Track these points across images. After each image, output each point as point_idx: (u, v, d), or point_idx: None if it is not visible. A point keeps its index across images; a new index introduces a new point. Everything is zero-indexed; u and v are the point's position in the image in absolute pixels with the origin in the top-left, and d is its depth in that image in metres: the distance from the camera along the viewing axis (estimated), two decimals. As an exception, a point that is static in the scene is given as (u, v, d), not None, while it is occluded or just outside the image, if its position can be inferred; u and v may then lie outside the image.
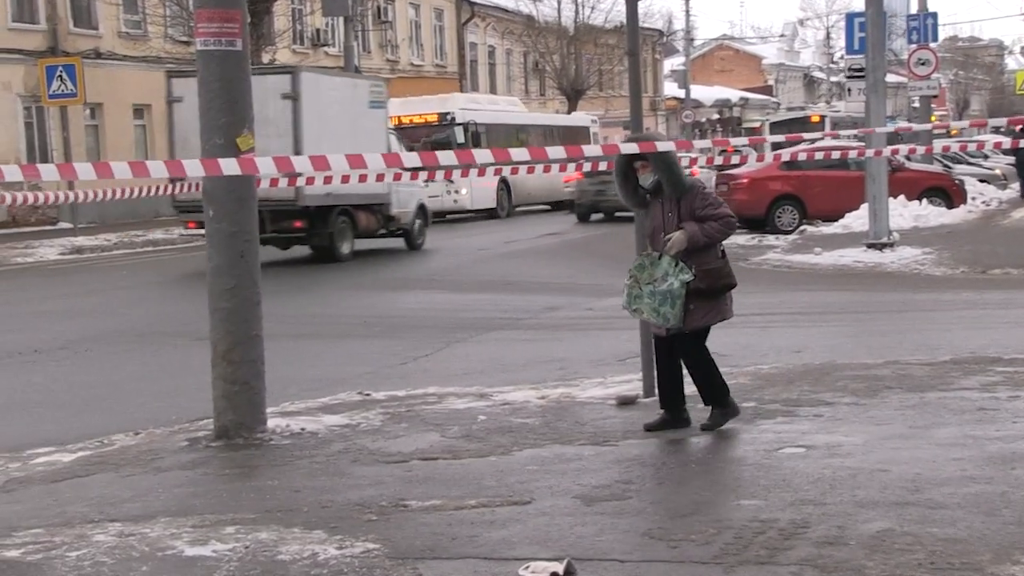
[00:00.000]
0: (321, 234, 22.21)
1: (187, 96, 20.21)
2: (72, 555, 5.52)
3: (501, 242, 27.32)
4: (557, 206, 39.16)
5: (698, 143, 36.99)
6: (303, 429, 8.14)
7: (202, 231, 8.33)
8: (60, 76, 29.45)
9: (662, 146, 7.48)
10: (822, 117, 53.17)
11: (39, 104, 32.16)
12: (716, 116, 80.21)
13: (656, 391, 7.95)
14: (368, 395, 9.47)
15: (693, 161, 9.06)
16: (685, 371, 7.75)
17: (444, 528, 5.76)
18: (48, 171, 5.85)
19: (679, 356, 7.67)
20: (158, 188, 17.48)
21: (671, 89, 76.87)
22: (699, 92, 75.99)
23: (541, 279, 19.51)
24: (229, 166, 5.96)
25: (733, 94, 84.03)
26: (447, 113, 36.26)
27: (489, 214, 36.45)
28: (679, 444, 7.42)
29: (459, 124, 35.91)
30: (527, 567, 5.06)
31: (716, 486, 6.36)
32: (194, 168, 5.79)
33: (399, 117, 34.05)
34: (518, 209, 38.31)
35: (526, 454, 7.28)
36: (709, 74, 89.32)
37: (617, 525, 5.70)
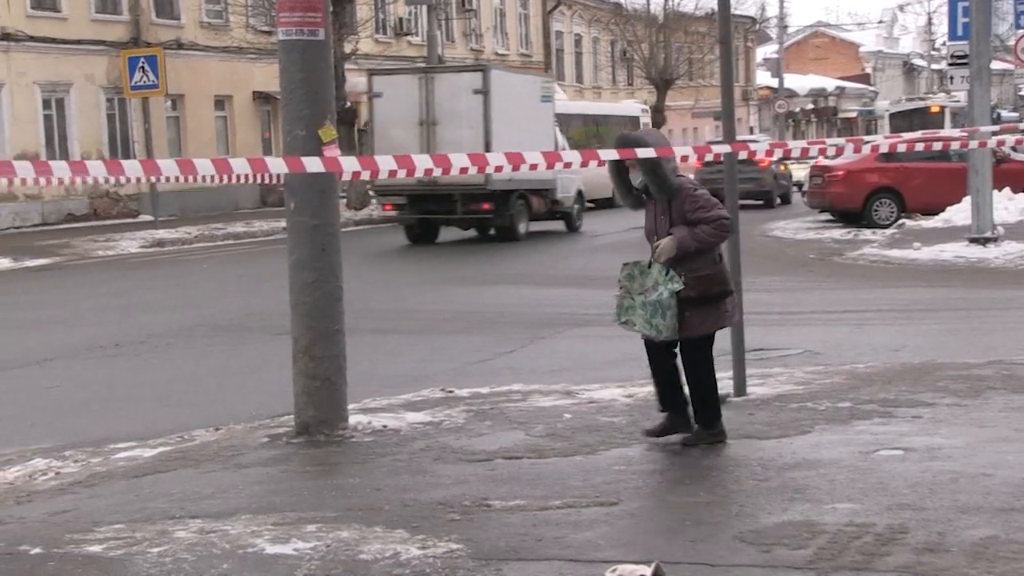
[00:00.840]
0: (503, 215, 25.41)
1: (386, 91, 24.94)
2: (153, 551, 5.61)
3: (586, 236, 27.28)
4: (605, 204, 32.92)
5: (793, 143, 36.50)
6: (385, 426, 8.19)
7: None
8: (142, 67, 29.94)
9: (642, 152, 7.15)
10: (942, 108, 52.18)
11: (121, 96, 32.71)
12: (810, 106, 79.39)
13: (657, 395, 7.60)
14: (451, 392, 9.50)
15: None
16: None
17: (528, 529, 5.77)
18: (132, 168, 5.94)
19: (674, 356, 7.44)
20: (244, 178, 17.67)
21: (764, 78, 76.22)
22: (793, 81, 75.26)
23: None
24: (312, 164, 6.01)
25: (828, 83, 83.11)
26: None
27: None
28: (770, 445, 7.35)
29: None
30: (614, 570, 5.03)
31: (809, 489, 6.29)
32: (277, 165, 5.84)
33: None
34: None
35: (613, 454, 7.26)
36: (803, 62, 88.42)
37: (707, 528, 5.66)
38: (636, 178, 7.35)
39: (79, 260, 25.35)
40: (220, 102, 37.65)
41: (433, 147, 23.52)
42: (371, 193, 31.23)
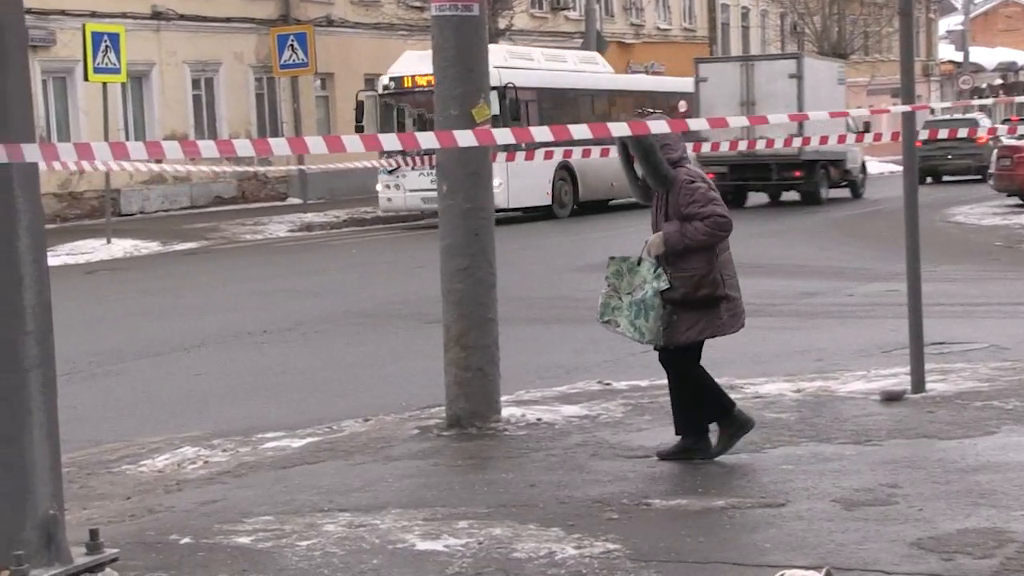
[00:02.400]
0: (810, 182, 30.31)
1: (711, 77, 30.24)
2: (302, 544, 5.73)
3: (751, 220, 26.99)
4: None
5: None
6: (539, 419, 8.22)
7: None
8: (291, 45, 30.55)
9: (653, 126, 6.89)
10: None
11: (270, 75, 33.42)
12: (999, 81, 77.20)
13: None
14: (609, 384, 9.50)
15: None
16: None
17: (690, 530, 5.74)
18: (279, 145, 6.06)
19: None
20: (396, 163, 17.98)
21: (947, 52, 74.37)
22: (979, 55, 73.28)
23: (797, 261, 19.20)
24: (464, 138, 6.06)
25: (1020, 56, 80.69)
26: None
27: (541, 213, 29.18)
28: (951, 445, 7.19)
29: (490, 88, 30.25)
30: (781, 575, 4.99)
31: (995, 494, 6.13)
32: (427, 140, 5.90)
33: (405, 78, 28.20)
34: (588, 205, 30.75)
35: (780, 452, 7.18)
36: (991, 34, 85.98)
37: (882, 533, 5.57)
38: (639, 168, 7.12)
39: (227, 244, 26.01)
40: (371, 80, 38.15)
41: (752, 128, 27.03)
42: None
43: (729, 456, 7.13)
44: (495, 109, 26.20)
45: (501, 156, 21.37)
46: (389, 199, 28.32)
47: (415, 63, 27.87)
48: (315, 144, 5.95)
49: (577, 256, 20.46)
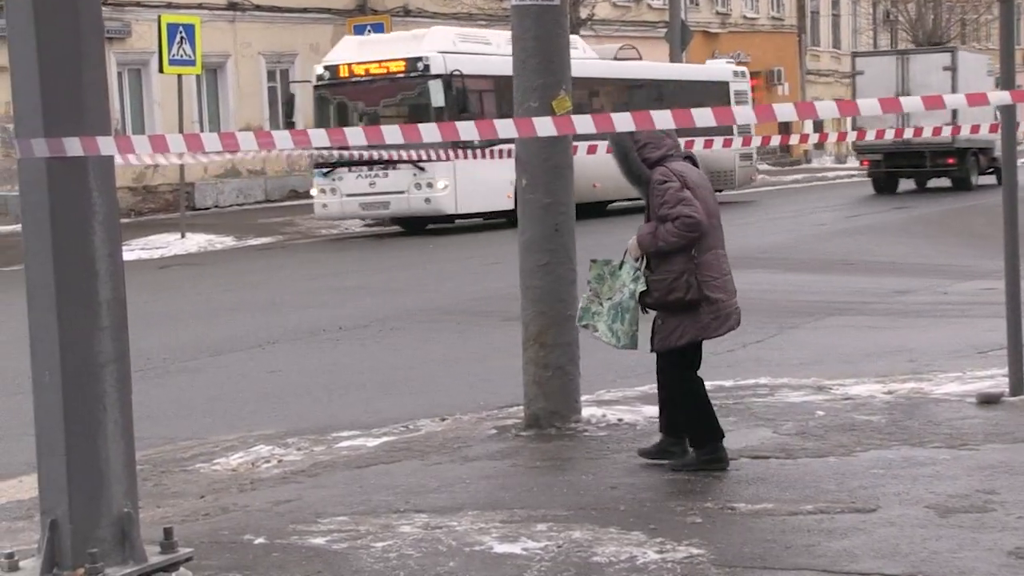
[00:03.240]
0: (962, 168, 32.36)
1: (867, 70, 32.39)
2: (377, 546, 5.76)
3: (843, 216, 26.78)
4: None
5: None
6: (620, 420, 8.21)
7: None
8: (368, 35, 30.69)
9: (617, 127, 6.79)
10: None
11: (346, 66, 33.63)
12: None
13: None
14: (692, 384, 9.45)
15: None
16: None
17: (777, 535, 5.70)
18: (354, 135, 6.10)
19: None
20: (474, 154, 18.08)
21: (1047, 39, 73.15)
22: (1081, 42, 71.99)
23: (889, 258, 19.02)
24: (543, 126, 6.05)
25: (1123, 44, 79.28)
26: (418, 59, 24.76)
27: (504, 220, 24.57)
28: (1052, 451, 7.08)
29: (434, 76, 24.60)
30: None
31: (1097, 501, 6.04)
32: (506, 129, 5.91)
33: (341, 67, 25.30)
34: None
35: (870, 456, 7.11)
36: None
37: (978, 541, 5.50)
38: None
39: (302, 239, 26.22)
40: (448, 73, 38.32)
41: (907, 117, 27.67)
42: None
43: (818, 460, 7.08)
44: (437, 100, 24.42)
45: (448, 154, 21.01)
46: (324, 205, 25.46)
47: (354, 50, 25.70)
48: (391, 134, 5.98)
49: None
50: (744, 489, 6.54)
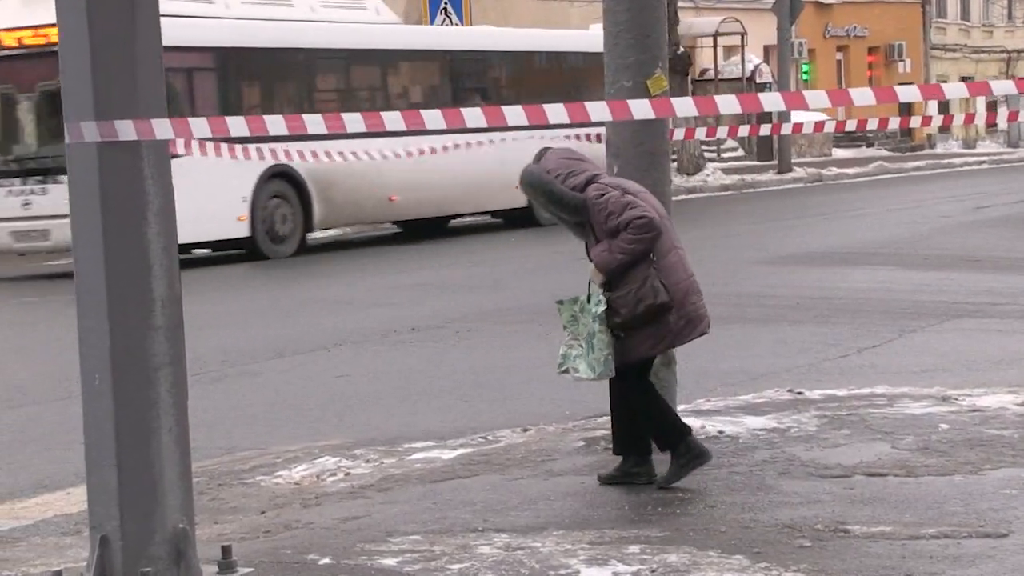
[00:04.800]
0: None
1: None
2: (454, 568, 5.79)
3: (970, 208, 26.49)
4: (506, 217, 26.09)
5: None
6: (721, 432, 8.19)
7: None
8: (444, 8, 30.99)
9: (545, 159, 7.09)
10: None
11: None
12: None
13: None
14: (801, 393, 9.42)
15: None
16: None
17: (895, 561, 5.67)
18: (433, 119, 6.12)
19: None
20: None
21: None
22: None
23: (1022, 254, 18.79)
24: (639, 108, 6.04)
25: None
26: None
27: (240, 250, 21.90)
28: None
29: None
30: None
31: None
32: (598, 111, 5.90)
33: None
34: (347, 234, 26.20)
35: (1001, 474, 7.04)
36: None
37: (1121, 571, 5.43)
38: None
39: (370, 231, 26.36)
40: (531, 49, 38.28)
41: None
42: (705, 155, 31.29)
43: (941, 478, 7.01)
44: None
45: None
46: None
47: (15, 11, 20.38)
48: (472, 117, 5.98)
49: (766, 247, 20.29)
50: (859, 510, 6.49)
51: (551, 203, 7.13)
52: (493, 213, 26.33)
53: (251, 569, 5.60)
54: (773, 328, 13.08)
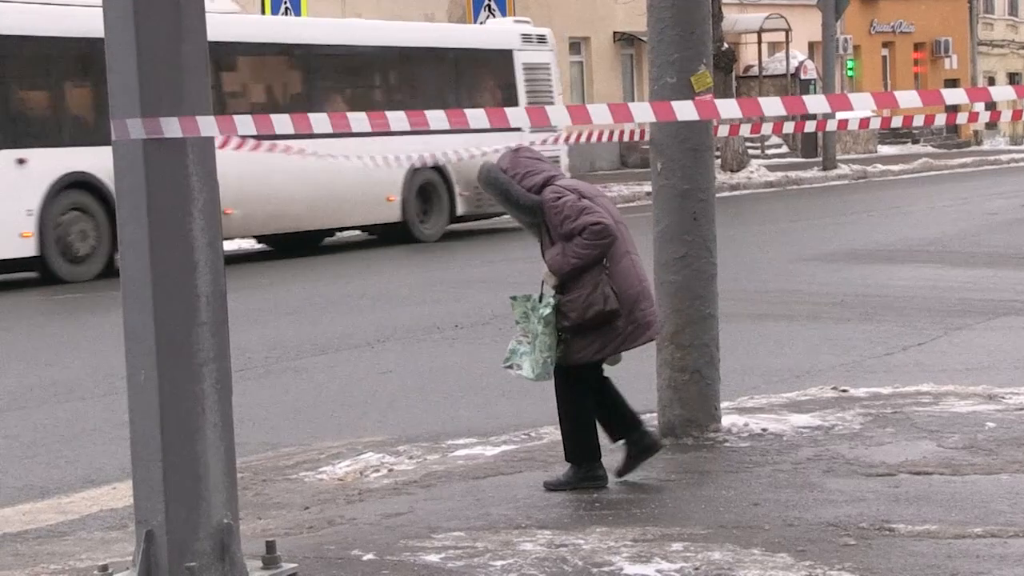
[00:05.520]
0: None
1: None
2: (496, 564, 5.80)
3: (1017, 205, 26.33)
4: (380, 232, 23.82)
5: None
6: (764, 430, 8.17)
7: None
8: (488, 5, 30.87)
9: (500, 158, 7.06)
10: None
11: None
12: None
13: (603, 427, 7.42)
14: (845, 391, 9.40)
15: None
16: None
17: (941, 560, 5.64)
18: (477, 118, 6.10)
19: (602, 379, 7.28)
20: (599, 135, 18.05)
21: None
22: None
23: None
24: (683, 109, 6.02)
25: None
26: None
27: (18, 270, 18.95)
28: None
29: None
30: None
31: None
32: (642, 112, 5.89)
33: None
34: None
35: (1048, 474, 7.00)
36: None
37: None
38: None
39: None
40: (576, 45, 38.35)
41: None
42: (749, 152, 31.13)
43: (987, 477, 6.98)
44: None
45: None
46: None
47: None
48: (517, 117, 5.99)
49: (810, 245, 20.22)
50: (904, 508, 6.47)
51: (507, 203, 7.17)
52: (364, 228, 23.82)
53: (295, 565, 5.62)
54: (818, 325, 13.05)
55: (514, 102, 23.91)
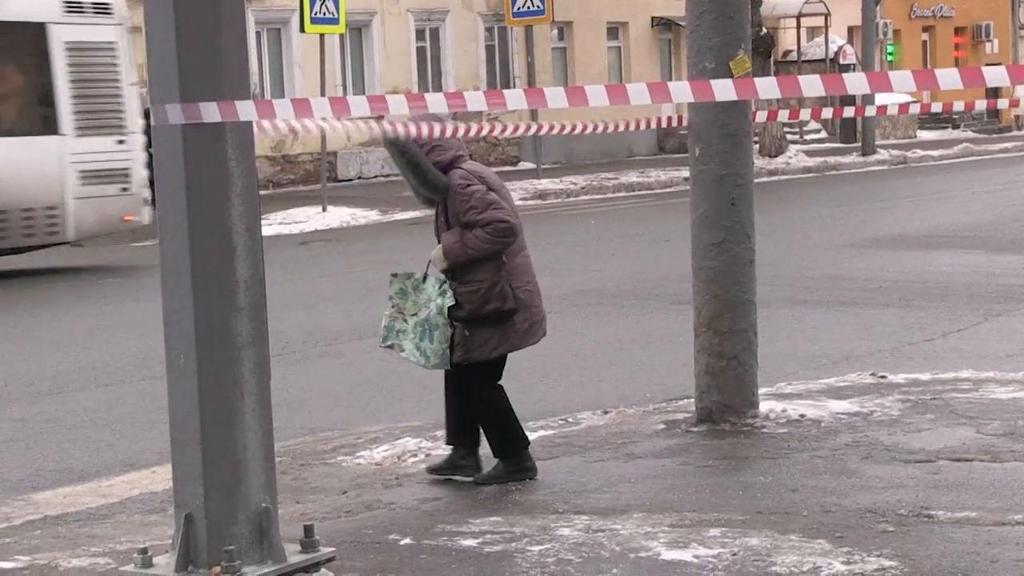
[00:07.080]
0: None
1: None
2: (534, 549, 5.81)
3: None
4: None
5: None
6: (802, 416, 8.15)
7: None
8: (529, -9, 30.75)
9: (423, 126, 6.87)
10: None
11: (502, 24, 33.72)
12: None
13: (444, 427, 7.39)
14: (884, 377, 9.37)
15: None
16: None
17: (981, 547, 5.62)
18: (514, 98, 6.08)
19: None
20: (636, 123, 18.01)
21: None
22: None
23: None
24: (723, 89, 6.00)
25: None
26: None
27: None
28: None
29: None
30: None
31: None
32: (680, 92, 5.87)
33: None
34: None
35: (1088, 461, 6.96)
36: None
37: None
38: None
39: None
40: (613, 30, 38.20)
41: None
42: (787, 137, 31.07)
43: (1026, 464, 6.94)
44: None
45: None
46: None
47: None
48: (554, 97, 5.97)
49: (849, 230, 20.13)
50: (943, 495, 6.44)
51: (414, 174, 7.04)
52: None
53: (333, 549, 5.64)
54: (856, 312, 12.99)
55: (48, 96, 17.84)
